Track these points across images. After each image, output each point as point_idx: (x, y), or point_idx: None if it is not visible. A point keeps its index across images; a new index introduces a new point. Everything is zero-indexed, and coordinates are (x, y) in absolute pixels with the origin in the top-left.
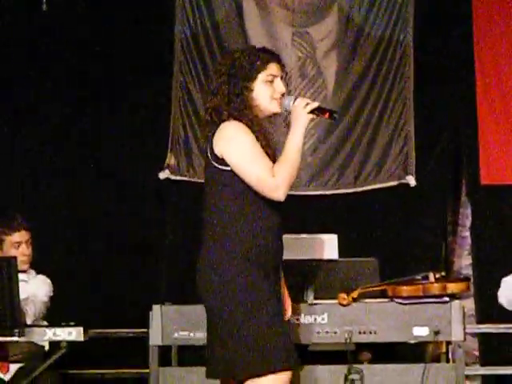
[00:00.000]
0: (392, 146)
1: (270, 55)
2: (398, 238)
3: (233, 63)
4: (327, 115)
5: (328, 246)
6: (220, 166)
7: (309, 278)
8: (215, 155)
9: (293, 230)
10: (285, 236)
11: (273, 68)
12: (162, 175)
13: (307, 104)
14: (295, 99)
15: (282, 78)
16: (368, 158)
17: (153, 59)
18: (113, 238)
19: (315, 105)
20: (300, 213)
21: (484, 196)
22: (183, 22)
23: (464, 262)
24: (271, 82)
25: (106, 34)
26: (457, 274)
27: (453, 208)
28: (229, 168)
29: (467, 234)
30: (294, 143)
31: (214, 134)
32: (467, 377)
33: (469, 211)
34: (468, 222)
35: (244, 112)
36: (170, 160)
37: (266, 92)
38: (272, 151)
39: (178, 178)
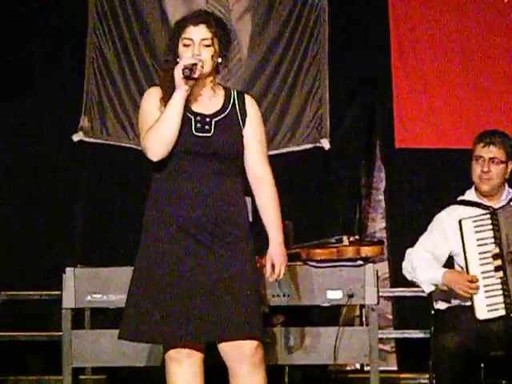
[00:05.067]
0: (306, 110)
1: (188, 19)
2: (312, 201)
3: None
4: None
5: None
6: None
7: None
8: None
9: None
10: None
11: (188, 31)
12: (76, 137)
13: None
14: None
15: (214, 37)
16: (282, 121)
17: (67, 20)
18: (27, 199)
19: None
20: None
21: (398, 160)
22: None
23: (378, 226)
24: (188, 45)
25: None
26: (370, 238)
27: (367, 171)
28: None
29: (381, 197)
30: (168, 106)
31: None
32: (381, 340)
33: (383, 175)
34: (382, 186)
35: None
36: (84, 122)
37: (183, 55)
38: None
39: (92, 140)
